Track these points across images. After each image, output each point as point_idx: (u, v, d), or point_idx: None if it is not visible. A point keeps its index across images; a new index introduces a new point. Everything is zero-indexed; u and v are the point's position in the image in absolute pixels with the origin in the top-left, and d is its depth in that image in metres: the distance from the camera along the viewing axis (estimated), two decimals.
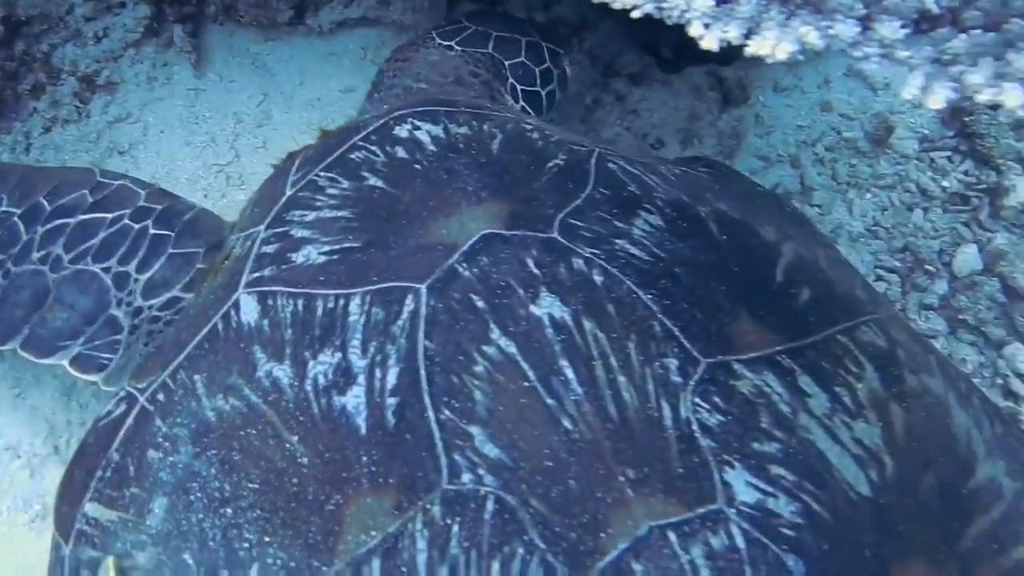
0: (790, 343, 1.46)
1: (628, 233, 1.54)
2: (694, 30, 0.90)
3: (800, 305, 1.54)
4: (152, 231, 1.91)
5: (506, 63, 2.35)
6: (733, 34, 0.89)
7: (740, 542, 1.24)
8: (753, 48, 0.87)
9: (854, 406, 1.41)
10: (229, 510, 1.34)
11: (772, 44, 0.86)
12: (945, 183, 2.64)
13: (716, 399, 1.35)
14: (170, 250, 1.89)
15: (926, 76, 0.82)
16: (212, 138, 2.79)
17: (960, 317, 2.43)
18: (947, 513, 1.39)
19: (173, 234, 1.89)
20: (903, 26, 0.83)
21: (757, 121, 2.73)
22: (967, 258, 2.50)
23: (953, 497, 1.41)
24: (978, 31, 0.82)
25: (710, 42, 0.90)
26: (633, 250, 1.51)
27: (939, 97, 0.79)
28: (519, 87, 2.35)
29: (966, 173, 2.62)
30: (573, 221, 1.54)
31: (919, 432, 1.45)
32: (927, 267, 2.52)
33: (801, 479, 1.31)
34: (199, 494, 1.37)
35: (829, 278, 1.65)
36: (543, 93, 2.36)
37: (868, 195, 2.67)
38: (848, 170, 2.71)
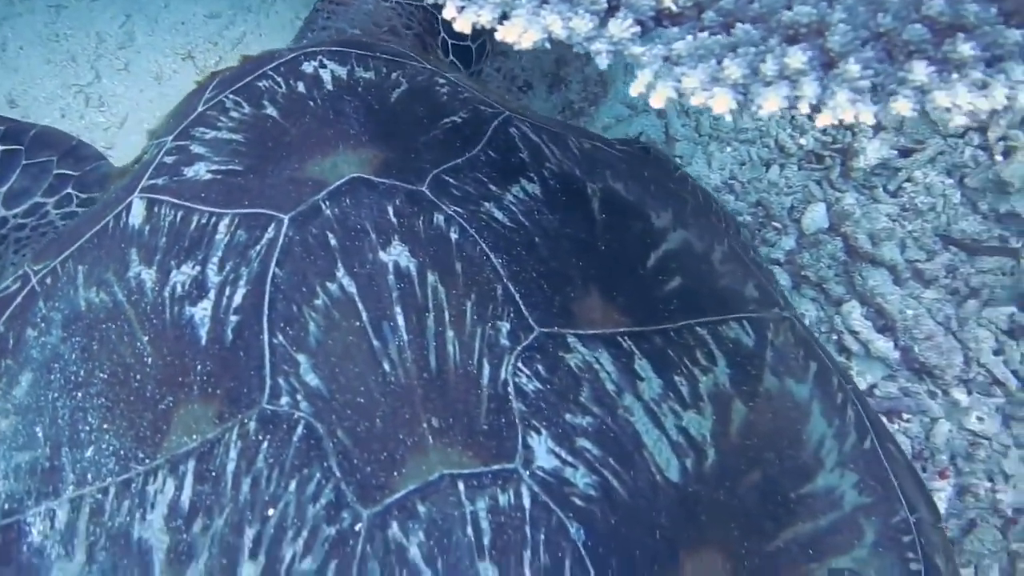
0: (637, 327, 1.51)
1: (499, 198, 1.59)
2: (447, 12, 0.92)
3: (664, 292, 1.59)
4: (1, 147, 1.97)
5: (439, 17, 2.34)
6: (486, 18, 0.90)
7: (526, 502, 1.29)
8: (501, 34, 0.89)
9: (690, 397, 1.47)
10: (79, 394, 1.43)
11: (519, 32, 0.88)
12: (803, 141, 2.71)
13: (539, 367, 1.41)
14: (23, 161, 1.95)
15: (654, 74, 0.85)
16: (72, 57, 2.71)
17: (803, 273, 2.52)
18: (764, 512, 1.46)
19: (23, 147, 1.96)
20: (638, 22, 0.86)
21: (626, 70, 2.75)
22: (815, 216, 2.59)
23: (778, 499, 1.48)
24: (707, 33, 0.85)
25: (463, 25, 0.91)
26: (498, 214, 1.56)
27: (660, 96, 0.82)
28: (449, 41, 2.35)
29: (824, 132, 2.69)
30: (447, 178, 1.58)
31: (759, 432, 1.51)
32: (776, 223, 2.60)
33: (606, 455, 1.36)
34: (59, 375, 1.46)
35: (713, 271, 1.71)
36: (473, 47, 2.37)
37: (728, 148, 2.73)
38: (711, 123, 2.76)
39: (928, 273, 2.49)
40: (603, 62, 0.83)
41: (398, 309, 1.41)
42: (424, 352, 1.39)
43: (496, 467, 1.31)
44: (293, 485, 1.29)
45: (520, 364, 1.40)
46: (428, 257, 1.47)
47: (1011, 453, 2.30)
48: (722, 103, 0.81)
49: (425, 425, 1.32)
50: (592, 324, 1.49)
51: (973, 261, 2.50)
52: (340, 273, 1.44)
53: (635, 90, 0.83)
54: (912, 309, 2.41)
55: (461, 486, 1.29)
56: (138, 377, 1.41)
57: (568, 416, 1.38)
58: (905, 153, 2.60)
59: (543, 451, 1.34)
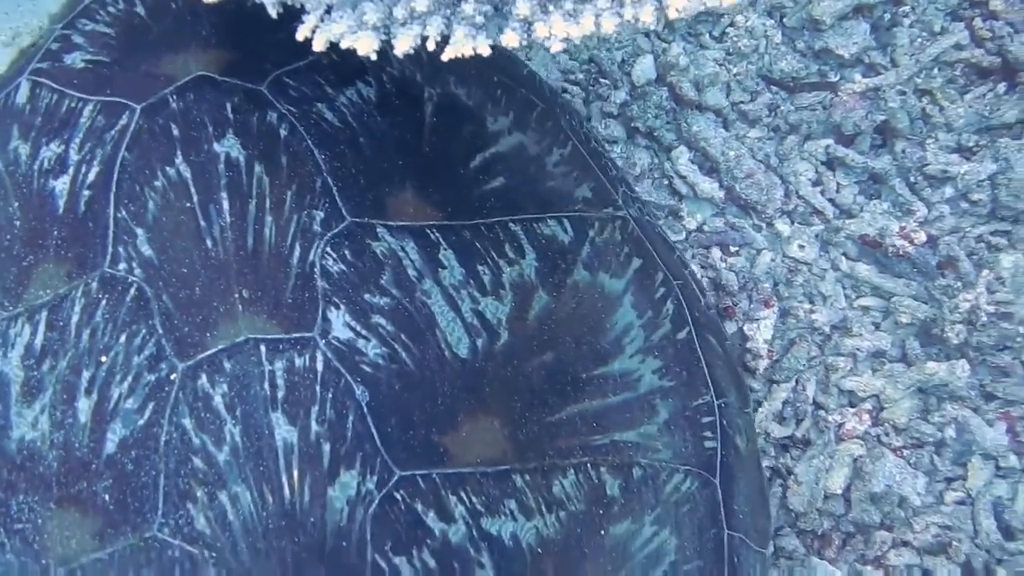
0: (447, 220, 1.71)
1: (332, 99, 1.78)
2: None
3: (482, 191, 1.78)
4: None
5: None
6: None
7: (319, 366, 1.51)
8: None
9: (491, 285, 1.67)
10: None
11: None
12: None
13: (346, 252, 1.61)
14: None
15: (317, 19, 0.96)
16: None
17: (634, 124, 2.63)
18: (550, 389, 1.66)
19: None
20: None
21: None
22: (643, 68, 2.67)
23: (567, 378, 1.68)
24: None
25: None
26: (328, 115, 1.75)
27: (321, 40, 0.94)
28: None
29: None
30: (287, 80, 1.77)
31: (558, 318, 1.71)
32: (606, 78, 2.69)
33: (399, 331, 1.57)
34: None
35: (544, 173, 1.89)
36: None
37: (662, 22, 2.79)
38: None
39: (752, 113, 2.61)
40: (272, 12, 0.94)
41: (224, 195, 1.62)
42: (243, 233, 1.60)
43: (296, 335, 1.53)
44: (123, 338, 1.54)
45: (328, 248, 1.61)
46: (257, 151, 1.67)
47: (828, 276, 2.46)
48: (366, 44, 0.92)
49: (237, 295, 1.55)
50: (403, 217, 1.68)
51: (793, 98, 2.61)
52: (178, 160, 1.65)
53: (301, 35, 0.94)
54: (733, 150, 2.53)
55: (263, 348, 1.52)
56: (8, 237, 1.67)
57: (367, 296, 1.58)
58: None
59: (340, 324, 1.55)
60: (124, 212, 1.62)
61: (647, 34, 2.72)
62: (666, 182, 2.60)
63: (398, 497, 1.50)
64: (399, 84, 1.85)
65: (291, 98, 1.75)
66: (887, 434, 2.26)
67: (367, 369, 1.54)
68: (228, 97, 1.72)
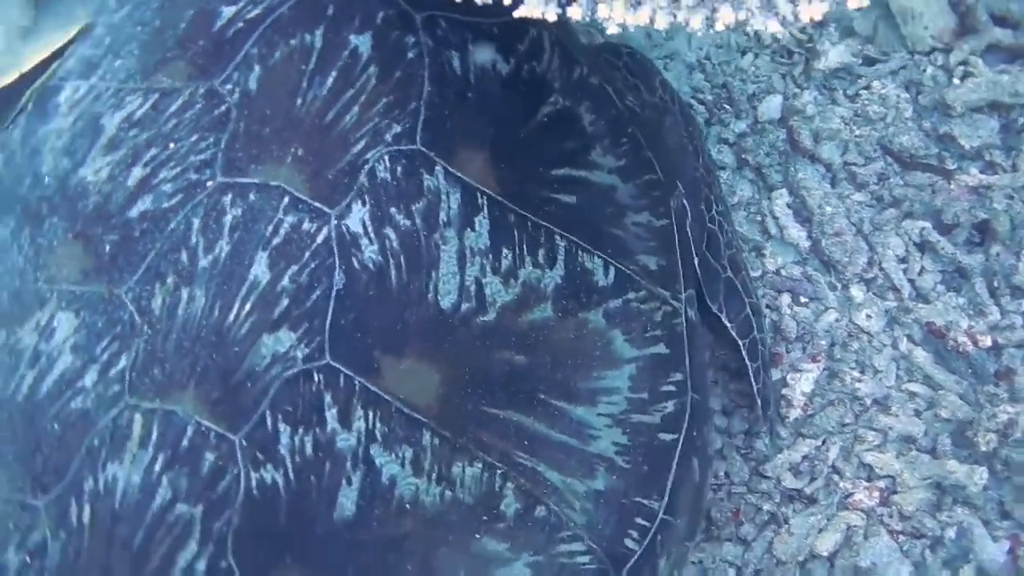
0: (502, 197, 1.81)
1: (466, 55, 1.90)
2: None
3: (549, 196, 1.88)
4: None
5: None
6: None
7: (319, 238, 1.69)
8: None
9: (506, 270, 1.78)
10: None
11: None
12: (780, 34, 2.83)
13: (398, 168, 1.76)
14: None
15: None
16: None
17: (744, 156, 2.70)
18: (505, 386, 1.73)
19: None
20: None
21: None
22: (770, 106, 2.74)
23: (526, 389, 1.75)
24: None
25: None
26: (455, 63, 1.88)
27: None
28: None
29: (801, 30, 2.81)
30: (440, 21, 1.90)
31: (551, 338, 1.79)
32: (732, 106, 2.76)
33: (401, 251, 1.71)
34: None
35: (619, 222, 1.95)
36: None
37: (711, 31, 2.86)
38: None
39: (860, 177, 2.64)
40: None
41: (334, 73, 1.80)
42: (329, 108, 1.76)
43: (317, 204, 1.68)
44: (194, 138, 1.75)
45: (386, 157, 1.73)
46: (380, 56, 1.82)
47: (885, 351, 2.49)
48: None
49: (293, 150, 1.72)
50: (466, 172, 1.79)
51: (905, 174, 2.64)
52: (319, 32, 1.84)
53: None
54: (831, 207, 2.58)
55: (285, 199, 1.68)
56: (171, 32, 1.91)
57: (393, 210, 1.71)
58: (869, 62, 2.71)
59: (357, 217, 1.68)
60: (256, 49, 1.81)
61: (784, 76, 2.78)
62: (759, 218, 2.66)
63: (315, 378, 1.61)
64: (534, 79, 1.96)
65: (434, 35, 1.88)
66: (891, 516, 2.30)
67: (355, 264, 1.66)
68: (384, 7, 1.87)
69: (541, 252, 1.83)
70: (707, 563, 2.36)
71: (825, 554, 2.26)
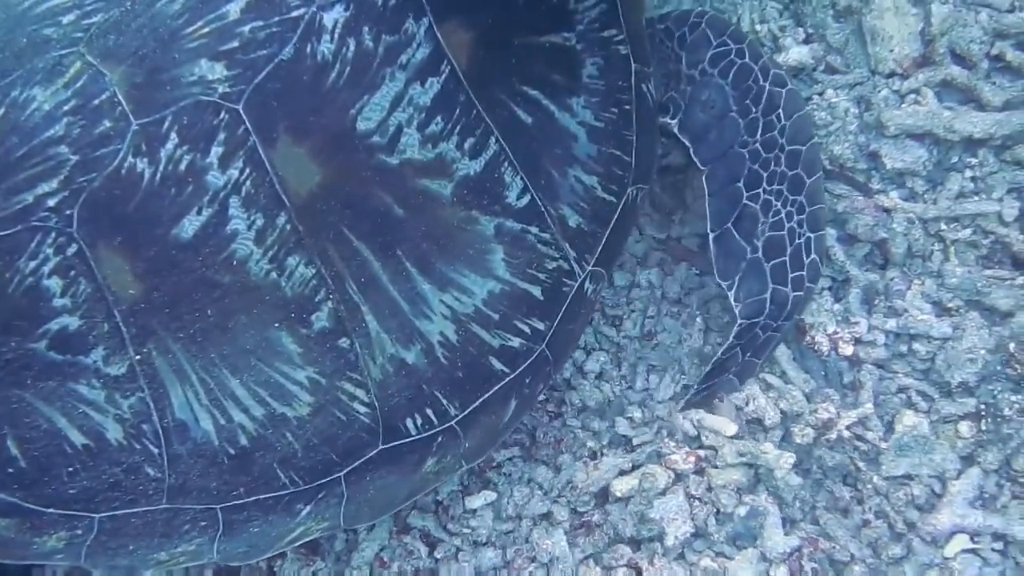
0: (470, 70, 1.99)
1: None
2: None
3: (514, 90, 2.06)
4: None
5: None
6: None
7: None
8: None
9: (432, 138, 1.97)
10: None
11: None
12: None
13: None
14: None
15: None
16: None
17: None
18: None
19: None
20: None
21: None
22: None
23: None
24: None
25: None
26: None
27: None
28: None
29: (780, 27, 2.84)
30: None
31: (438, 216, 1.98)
32: None
33: (353, 58, 1.90)
34: None
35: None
36: None
37: None
38: None
39: None
40: None
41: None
42: None
43: None
44: None
45: None
46: None
47: None
48: None
49: None
50: (446, 36, 1.94)
51: (828, 181, 2.65)
52: None
53: None
54: None
55: None
56: None
57: (366, 28, 1.89)
58: (831, 70, 2.74)
59: (333, 16, 1.88)
60: None
61: None
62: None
63: (221, 115, 1.81)
64: (562, 6, 2.11)
65: None
66: (698, 485, 2.32)
67: (308, 50, 1.85)
68: None
69: (470, 141, 1.97)
70: (514, 476, 2.43)
71: (618, 494, 2.31)
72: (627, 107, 2.19)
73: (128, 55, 1.81)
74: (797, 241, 2.36)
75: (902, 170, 2.57)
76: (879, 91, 2.65)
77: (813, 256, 2.37)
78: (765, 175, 2.36)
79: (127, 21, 1.83)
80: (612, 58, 2.17)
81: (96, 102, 1.80)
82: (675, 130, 2.40)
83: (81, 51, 1.82)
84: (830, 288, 2.55)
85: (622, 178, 2.18)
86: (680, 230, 2.71)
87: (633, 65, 2.20)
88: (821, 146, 2.65)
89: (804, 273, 2.36)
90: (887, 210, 2.55)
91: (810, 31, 2.79)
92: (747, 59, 2.41)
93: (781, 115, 2.39)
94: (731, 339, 2.35)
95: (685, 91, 2.41)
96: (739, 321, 2.35)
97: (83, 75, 1.80)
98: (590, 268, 2.13)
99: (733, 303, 2.36)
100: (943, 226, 2.53)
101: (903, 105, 2.60)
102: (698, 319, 2.57)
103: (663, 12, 2.54)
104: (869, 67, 2.71)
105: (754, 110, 2.39)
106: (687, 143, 2.40)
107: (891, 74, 2.67)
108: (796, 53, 2.72)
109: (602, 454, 2.43)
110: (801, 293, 2.36)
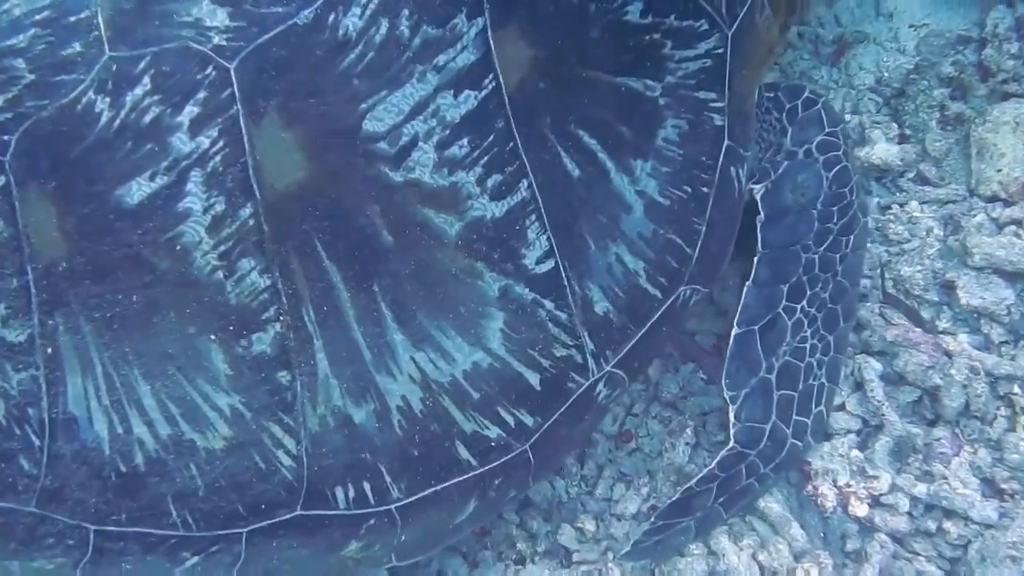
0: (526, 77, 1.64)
1: None
2: None
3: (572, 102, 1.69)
4: None
5: None
6: None
7: None
8: None
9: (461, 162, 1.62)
10: None
11: None
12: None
13: None
14: None
15: None
16: None
17: None
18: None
19: None
20: None
21: None
22: None
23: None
24: None
25: None
26: None
27: None
28: None
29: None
30: None
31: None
32: None
33: (381, 50, 1.56)
34: None
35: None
36: None
37: None
38: None
39: None
40: None
41: None
42: None
43: None
44: None
45: None
46: None
47: None
48: None
49: None
50: (500, 46, 1.59)
51: (883, 304, 2.18)
52: None
53: None
54: None
55: None
56: None
57: (406, 12, 1.55)
58: (922, 180, 2.30)
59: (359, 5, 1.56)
60: None
61: None
62: None
63: (207, 69, 1.50)
64: (654, 52, 1.75)
65: None
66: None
67: (330, 20, 1.53)
68: None
69: (496, 178, 1.62)
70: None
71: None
72: (704, 189, 1.79)
73: None
74: (811, 382, 1.93)
75: (979, 309, 2.08)
76: (974, 214, 2.19)
77: (821, 408, 1.94)
78: (809, 293, 1.93)
79: None
80: (701, 126, 1.79)
81: (72, 19, 1.50)
82: (757, 196, 1.96)
83: None
84: (858, 432, 2.06)
85: (676, 272, 1.78)
86: (698, 324, 2.26)
87: (726, 142, 1.81)
88: (888, 265, 2.20)
89: (808, 422, 1.92)
90: (949, 354, 2.05)
91: (907, 131, 2.36)
92: (848, 163, 2.00)
93: (851, 241, 1.98)
94: (713, 465, 1.88)
95: (780, 164, 1.98)
96: (731, 444, 1.88)
97: None
98: (608, 368, 1.74)
99: (732, 419, 1.91)
100: (1016, 389, 2.01)
101: (998, 235, 2.12)
102: (688, 431, 2.11)
103: (769, 82, 2.13)
104: (968, 185, 2.26)
105: (834, 219, 1.97)
106: (760, 218, 1.96)
107: (993, 198, 2.21)
108: (882, 150, 2.29)
109: (531, 562, 1.99)
110: (799, 443, 1.92)
